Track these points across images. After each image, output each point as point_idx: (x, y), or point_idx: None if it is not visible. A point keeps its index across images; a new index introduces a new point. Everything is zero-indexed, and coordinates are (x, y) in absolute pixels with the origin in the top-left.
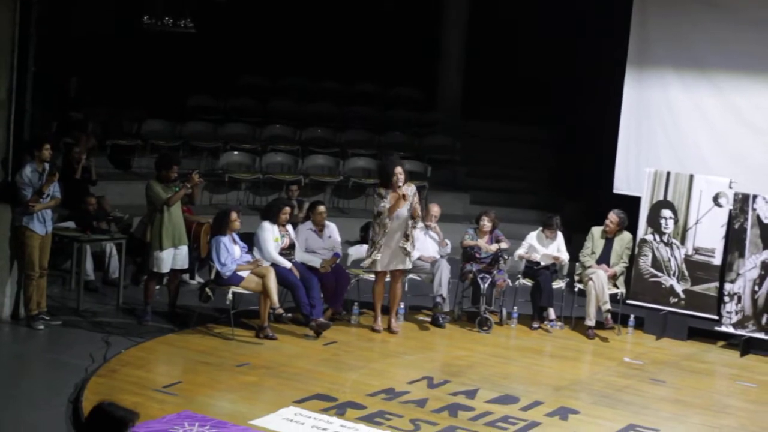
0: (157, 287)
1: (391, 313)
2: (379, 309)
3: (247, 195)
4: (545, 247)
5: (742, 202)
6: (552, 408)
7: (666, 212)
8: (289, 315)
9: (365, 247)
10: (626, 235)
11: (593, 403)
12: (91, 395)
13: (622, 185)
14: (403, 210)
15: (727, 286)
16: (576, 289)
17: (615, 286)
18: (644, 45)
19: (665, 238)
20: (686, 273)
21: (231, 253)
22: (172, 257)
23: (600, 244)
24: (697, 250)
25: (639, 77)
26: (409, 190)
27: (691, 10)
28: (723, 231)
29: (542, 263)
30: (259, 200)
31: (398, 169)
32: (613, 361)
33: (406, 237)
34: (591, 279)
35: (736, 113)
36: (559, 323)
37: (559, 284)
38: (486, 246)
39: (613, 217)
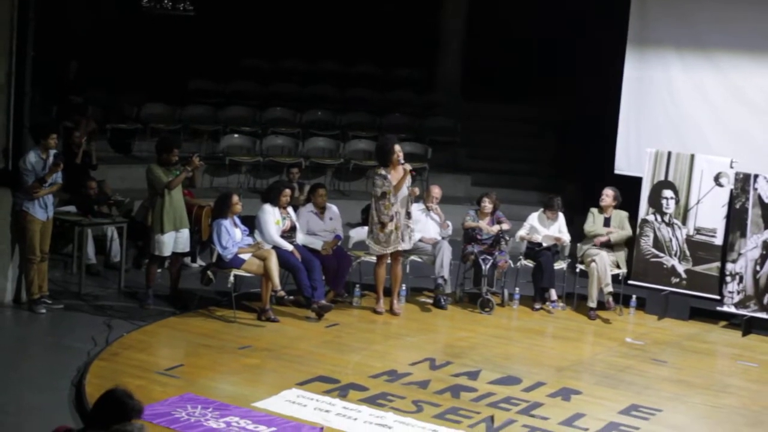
0: (159, 270)
1: (393, 294)
2: (381, 291)
3: (248, 178)
4: (546, 228)
5: (744, 181)
6: (554, 389)
7: (667, 192)
8: (291, 297)
9: (366, 229)
10: (622, 212)
11: (595, 383)
12: (93, 379)
13: (623, 165)
14: (404, 189)
15: (729, 266)
16: (577, 270)
17: (617, 266)
18: (644, 24)
19: (666, 219)
20: (688, 253)
21: (232, 236)
22: (174, 240)
23: (600, 222)
24: (698, 230)
25: (639, 57)
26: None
27: None
28: (724, 211)
29: (544, 244)
30: (259, 183)
31: (397, 147)
32: (614, 342)
33: (408, 215)
34: (593, 260)
35: (737, 93)
36: (561, 304)
37: (560, 265)
38: (487, 227)
39: (608, 191)
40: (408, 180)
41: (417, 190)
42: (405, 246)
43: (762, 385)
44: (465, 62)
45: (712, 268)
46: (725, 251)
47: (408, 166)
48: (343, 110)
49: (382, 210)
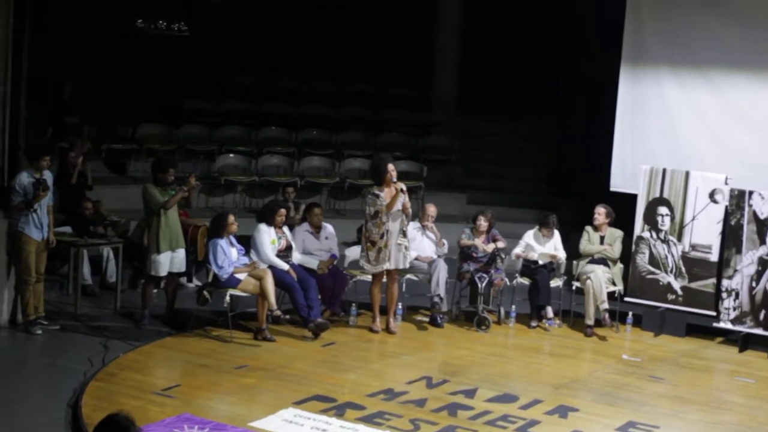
0: (155, 291)
1: (389, 313)
2: (377, 310)
3: (243, 198)
4: (542, 245)
5: (738, 198)
6: (551, 406)
7: (662, 209)
8: (287, 317)
9: (364, 249)
10: (616, 232)
11: (592, 400)
12: (89, 399)
13: (618, 183)
14: (398, 206)
15: (725, 283)
16: (574, 287)
17: (613, 283)
18: (639, 41)
19: (662, 235)
20: (683, 270)
21: (228, 255)
22: (170, 260)
23: (595, 239)
24: (694, 247)
25: (634, 74)
26: (399, 186)
27: (686, 6)
28: (719, 227)
29: (540, 262)
30: (255, 203)
31: (390, 166)
32: (611, 359)
33: (403, 234)
34: (589, 278)
35: (732, 110)
36: (558, 321)
37: (556, 282)
38: (483, 245)
39: (600, 209)
40: (403, 198)
41: (409, 208)
42: (392, 266)
43: (759, 401)
44: (460, 80)
45: (708, 284)
46: (721, 268)
47: (400, 185)
48: (338, 129)
49: (372, 229)
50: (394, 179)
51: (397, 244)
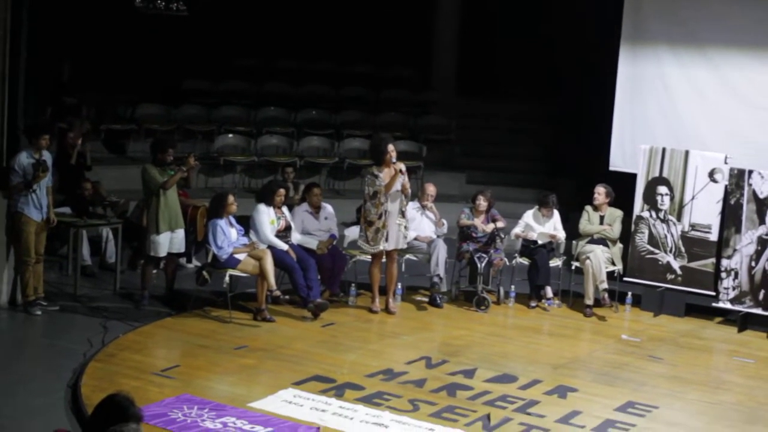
0: (154, 271)
1: (389, 293)
2: (376, 290)
3: (243, 178)
4: (542, 225)
5: (738, 177)
6: (550, 386)
7: (662, 189)
8: (287, 297)
9: (362, 228)
10: (616, 211)
11: (591, 380)
12: (89, 380)
13: (617, 162)
14: (397, 186)
15: (724, 262)
16: (573, 267)
17: (612, 263)
18: (638, 20)
19: (661, 215)
20: (683, 249)
21: (227, 236)
22: (169, 241)
23: (595, 219)
24: (693, 227)
25: (633, 53)
26: (398, 167)
27: None
28: (719, 207)
29: (539, 242)
30: (254, 183)
31: (390, 146)
32: (610, 339)
33: (402, 214)
34: (588, 258)
35: (731, 89)
36: (557, 301)
37: (556, 262)
38: (482, 225)
39: (599, 188)
40: (403, 178)
41: (409, 188)
42: (391, 246)
43: (758, 381)
44: (459, 60)
45: (707, 264)
46: (720, 247)
47: (400, 166)
48: (338, 109)
49: (371, 209)
50: (394, 160)
51: (396, 224)
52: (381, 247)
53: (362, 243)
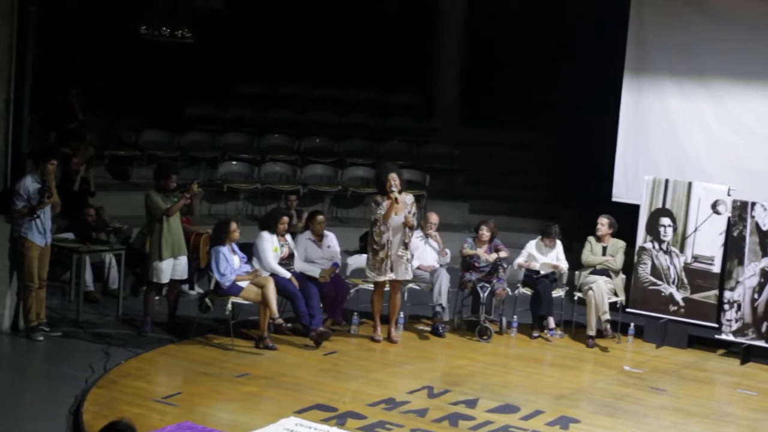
0: (157, 298)
1: (391, 322)
2: (378, 319)
3: (246, 205)
4: (544, 255)
5: (741, 209)
6: (552, 417)
7: (665, 220)
8: (289, 325)
9: (365, 256)
10: (619, 242)
11: (594, 412)
12: (90, 406)
13: (620, 193)
14: (401, 218)
15: (727, 294)
16: (575, 298)
17: (615, 294)
18: (642, 52)
19: (664, 246)
20: (686, 281)
21: (230, 263)
22: (172, 267)
23: (598, 250)
24: (696, 258)
25: (637, 84)
26: (407, 199)
27: (689, 17)
28: (722, 239)
29: (541, 272)
30: (257, 210)
31: (392, 175)
32: (613, 370)
33: (405, 246)
34: (591, 289)
35: (734, 120)
36: (559, 332)
37: (558, 293)
38: (485, 255)
39: (603, 219)
40: (407, 210)
41: (412, 221)
42: (394, 276)
43: (761, 414)
44: (462, 89)
45: (710, 296)
46: (723, 279)
47: (394, 195)
48: (341, 137)
49: (374, 237)
50: (393, 188)
51: (397, 256)
52: (385, 277)
53: (368, 270)
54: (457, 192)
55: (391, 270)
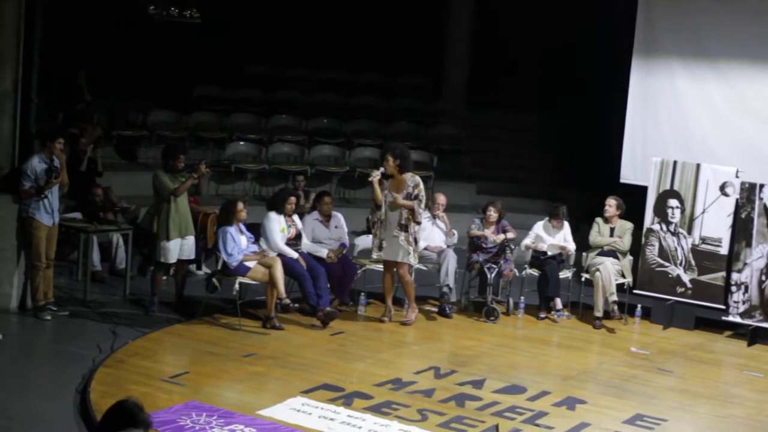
0: (164, 278)
1: (410, 303)
2: (389, 301)
3: (254, 185)
4: (552, 236)
5: (749, 191)
6: (559, 398)
7: (673, 202)
8: (296, 305)
9: (371, 237)
10: (626, 224)
11: (600, 392)
12: (98, 386)
13: (628, 174)
14: (390, 199)
15: (734, 276)
16: (583, 279)
17: (622, 275)
18: (650, 34)
19: (672, 228)
20: (693, 263)
21: (237, 243)
22: (179, 247)
23: (606, 231)
24: (703, 240)
25: (645, 66)
26: (410, 180)
27: (698, 1)
28: (730, 220)
29: (549, 253)
30: (265, 191)
31: (387, 156)
32: (620, 351)
33: (402, 227)
34: (598, 270)
35: (743, 102)
36: (566, 313)
37: (565, 274)
38: (492, 236)
39: (610, 200)
40: (405, 191)
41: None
42: (384, 256)
43: (767, 395)
44: (471, 70)
45: (717, 277)
46: (731, 261)
47: (373, 174)
48: (349, 118)
49: (373, 219)
50: (381, 169)
51: (392, 236)
52: (375, 256)
53: (372, 248)
54: (464, 173)
55: (379, 249)
